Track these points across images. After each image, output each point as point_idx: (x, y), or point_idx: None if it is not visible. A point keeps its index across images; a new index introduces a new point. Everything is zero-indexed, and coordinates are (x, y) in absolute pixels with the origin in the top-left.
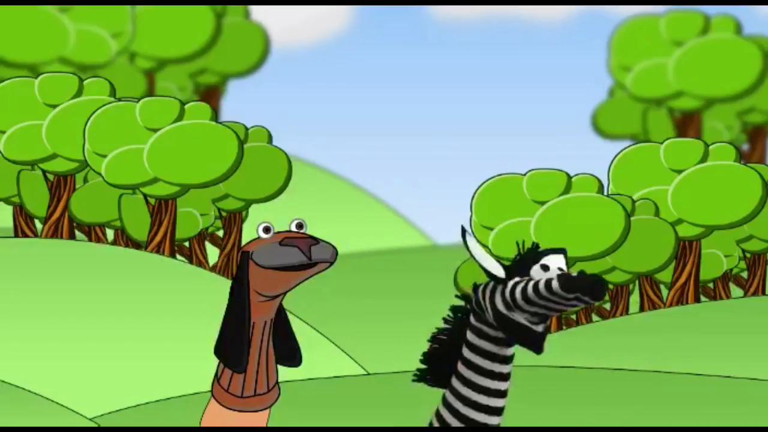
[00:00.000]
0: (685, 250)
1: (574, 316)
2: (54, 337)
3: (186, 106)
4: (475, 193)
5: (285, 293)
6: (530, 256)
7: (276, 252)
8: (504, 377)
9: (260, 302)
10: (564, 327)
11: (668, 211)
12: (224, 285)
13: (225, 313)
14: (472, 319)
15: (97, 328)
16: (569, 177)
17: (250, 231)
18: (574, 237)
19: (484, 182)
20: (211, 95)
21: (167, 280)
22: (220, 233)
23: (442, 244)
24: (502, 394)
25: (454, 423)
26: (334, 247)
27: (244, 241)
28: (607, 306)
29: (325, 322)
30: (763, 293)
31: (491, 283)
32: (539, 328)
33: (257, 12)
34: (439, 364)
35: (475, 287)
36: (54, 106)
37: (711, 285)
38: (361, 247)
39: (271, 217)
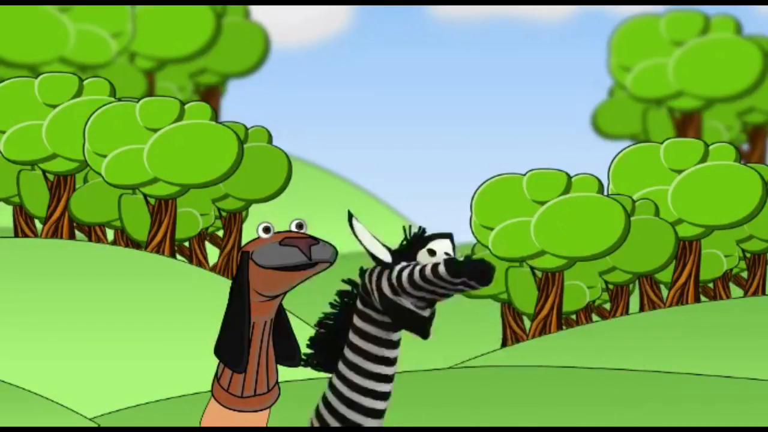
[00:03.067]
0: (685, 250)
1: (574, 317)
2: (54, 337)
3: (186, 106)
4: (475, 193)
5: (285, 293)
6: (416, 240)
7: (276, 252)
8: (390, 362)
9: (260, 302)
10: (564, 327)
11: (668, 211)
12: (224, 285)
13: (225, 313)
14: (358, 303)
15: (97, 328)
16: (569, 177)
17: (250, 231)
18: (574, 237)
19: (484, 182)
20: (211, 95)
21: (167, 280)
22: (220, 233)
23: None
24: (388, 378)
25: (341, 408)
26: (334, 247)
27: (244, 241)
28: (607, 306)
29: None
30: (763, 293)
31: (378, 268)
32: (425, 313)
33: (257, 12)
34: (326, 348)
35: (362, 272)
36: (54, 106)
37: (711, 285)
38: (362, 247)
39: (271, 217)
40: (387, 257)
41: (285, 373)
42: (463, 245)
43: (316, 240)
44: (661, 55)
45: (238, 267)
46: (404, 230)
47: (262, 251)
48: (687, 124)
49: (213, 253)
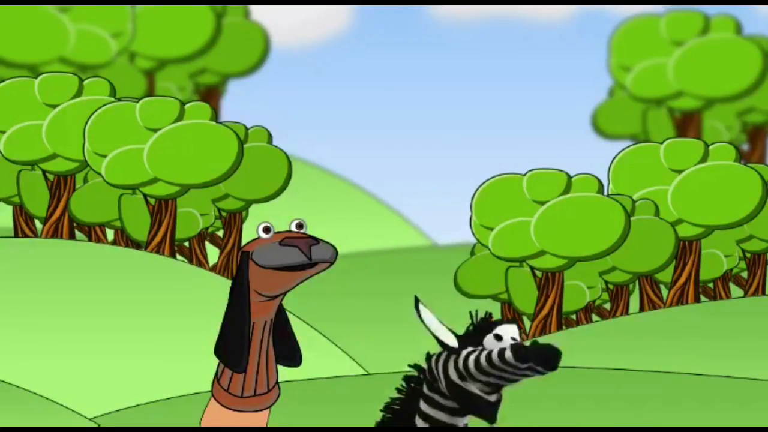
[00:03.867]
0: (685, 250)
1: (574, 317)
2: (54, 337)
3: (186, 106)
4: (475, 193)
5: (285, 293)
6: (483, 325)
7: (276, 252)
8: None
9: (260, 302)
10: (564, 327)
11: (668, 211)
12: (224, 285)
13: (225, 313)
14: (425, 388)
15: (97, 328)
16: (569, 177)
17: (250, 231)
18: (574, 237)
19: (484, 182)
20: (211, 95)
21: (167, 280)
22: (220, 233)
23: (442, 244)
24: None
25: None
26: (334, 247)
27: (244, 241)
28: (607, 306)
29: (325, 322)
30: (763, 293)
31: (444, 353)
32: (492, 398)
33: (257, 12)
34: None
35: (428, 357)
36: (54, 106)
37: (711, 285)
38: (361, 247)
39: (271, 217)
40: (453, 342)
41: (285, 373)
42: (463, 245)
43: (316, 240)
44: (661, 55)
45: (238, 267)
46: (470, 315)
47: (262, 251)
48: (687, 124)
49: (213, 253)
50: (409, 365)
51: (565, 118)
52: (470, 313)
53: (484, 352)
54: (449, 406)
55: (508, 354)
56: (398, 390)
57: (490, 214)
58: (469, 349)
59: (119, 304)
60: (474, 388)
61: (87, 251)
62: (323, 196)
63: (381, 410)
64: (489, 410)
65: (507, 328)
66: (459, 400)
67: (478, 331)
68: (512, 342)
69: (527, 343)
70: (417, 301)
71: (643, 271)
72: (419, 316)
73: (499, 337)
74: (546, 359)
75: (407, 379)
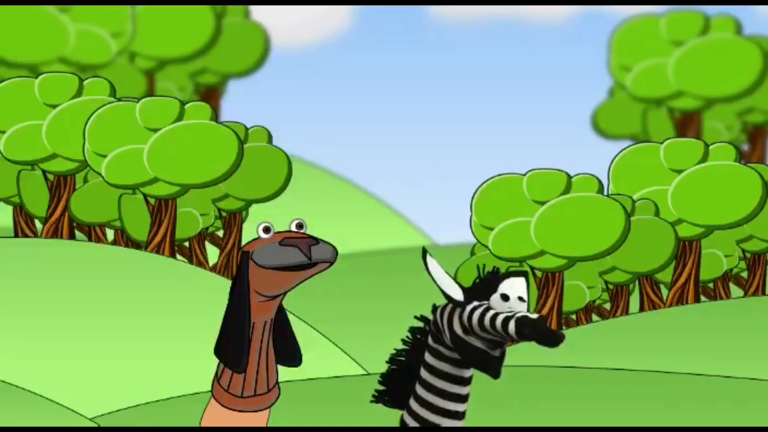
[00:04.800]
0: (685, 250)
1: (574, 317)
2: (54, 337)
3: (186, 106)
4: (475, 193)
5: (285, 293)
6: (490, 279)
7: (276, 252)
8: (461, 399)
9: (260, 302)
10: (564, 327)
11: (668, 211)
12: (224, 285)
13: (225, 313)
14: (430, 340)
15: (97, 328)
16: (569, 177)
17: (250, 231)
18: (574, 237)
19: (484, 182)
20: (211, 95)
21: (167, 280)
22: (220, 233)
23: (442, 244)
24: (458, 415)
25: None
26: (334, 247)
27: (244, 241)
28: (607, 306)
29: (324, 322)
30: (763, 293)
31: (450, 306)
32: (495, 353)
33: (257, 12)
34: (397, 385)
35: (434, 308)
36: (54, 106)
37: (711, 285)
38: (361, 247)
39: (271, 217)
40: (459, 296)
41: (285, 373)
42: (463, 245)
43: (316, 240)
44: (661, 55)
45: (238, 267)
46: (478, 269)
47: (262, 251)
48: (687, 124)
49: (213, 253)
50: (416, 316)
51: (565, 118)
52: (477, 266)
53: (489, 314)
54: (454, 358)
55: (511, 327)
56: (403, 341)
57: (490, 214)
58: (475, 303)
59: (119, 304)
60: (478, 342)
61: (87, 251)
62: (323, 196)
63: (386, 362)
64: (492, 365)
65: (515, 283)
66: (462, 353)
67: (485, 284)
68: (518, 314)
69: (533, 316)
70: (425, 252)
71: (643, 271)
72: (426, 268)
73: (506, 297)
74: (547, 342)
75: (413, 330)
